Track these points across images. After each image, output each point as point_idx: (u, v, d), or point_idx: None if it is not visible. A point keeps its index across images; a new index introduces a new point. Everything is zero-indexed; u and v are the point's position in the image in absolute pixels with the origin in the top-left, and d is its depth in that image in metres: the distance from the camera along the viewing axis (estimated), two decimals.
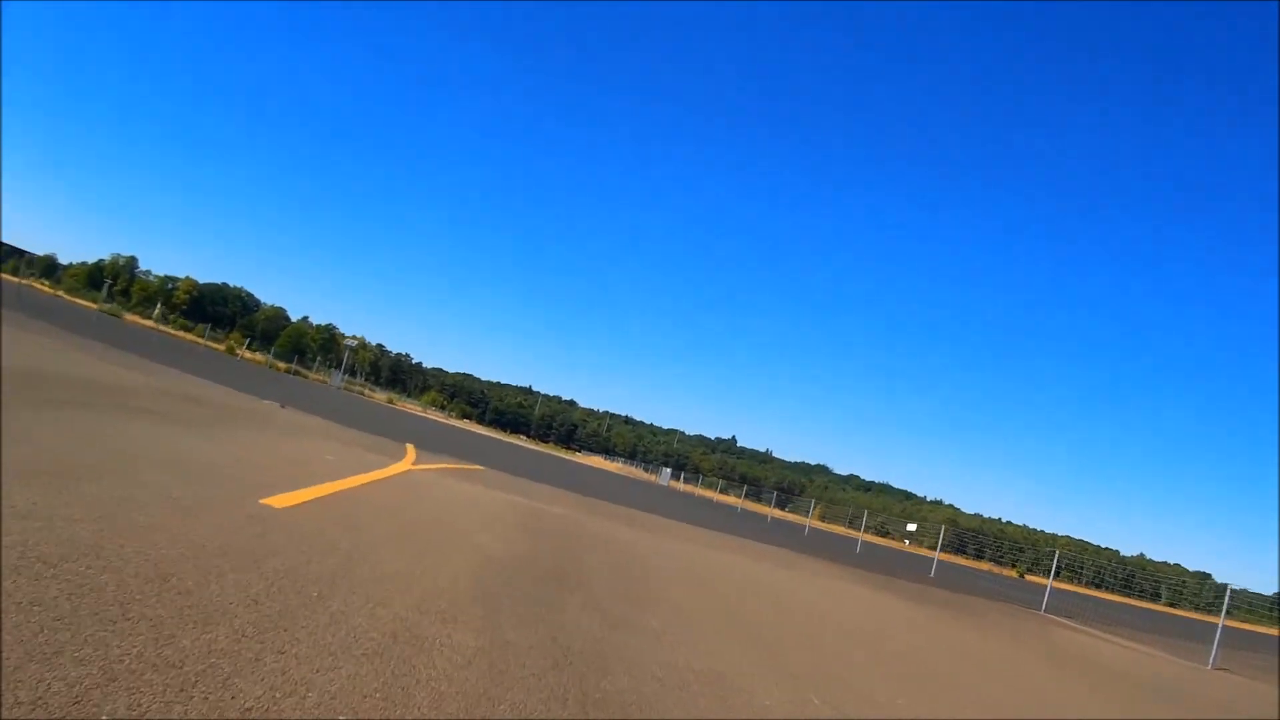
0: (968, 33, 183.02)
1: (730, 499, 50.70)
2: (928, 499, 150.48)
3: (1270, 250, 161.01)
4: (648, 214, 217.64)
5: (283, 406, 13.25)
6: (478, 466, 13.76)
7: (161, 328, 57.19)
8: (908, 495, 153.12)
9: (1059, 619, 13.61)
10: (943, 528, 24.40)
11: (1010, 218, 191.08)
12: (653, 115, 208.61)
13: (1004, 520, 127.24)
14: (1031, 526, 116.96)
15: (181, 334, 61.02)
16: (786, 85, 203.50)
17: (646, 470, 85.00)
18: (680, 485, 57.73)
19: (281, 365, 61.71)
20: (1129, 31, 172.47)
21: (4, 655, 1.87)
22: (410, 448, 13.00)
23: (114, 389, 8.48)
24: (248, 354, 61.91)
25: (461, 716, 2.29)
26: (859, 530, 29.76)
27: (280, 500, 4.76)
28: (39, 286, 59.85)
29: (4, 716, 1.69)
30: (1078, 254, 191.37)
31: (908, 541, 54.07)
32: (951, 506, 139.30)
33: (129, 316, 60.26)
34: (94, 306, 53.47)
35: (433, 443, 18.62)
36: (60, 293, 59.77)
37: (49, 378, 7.72)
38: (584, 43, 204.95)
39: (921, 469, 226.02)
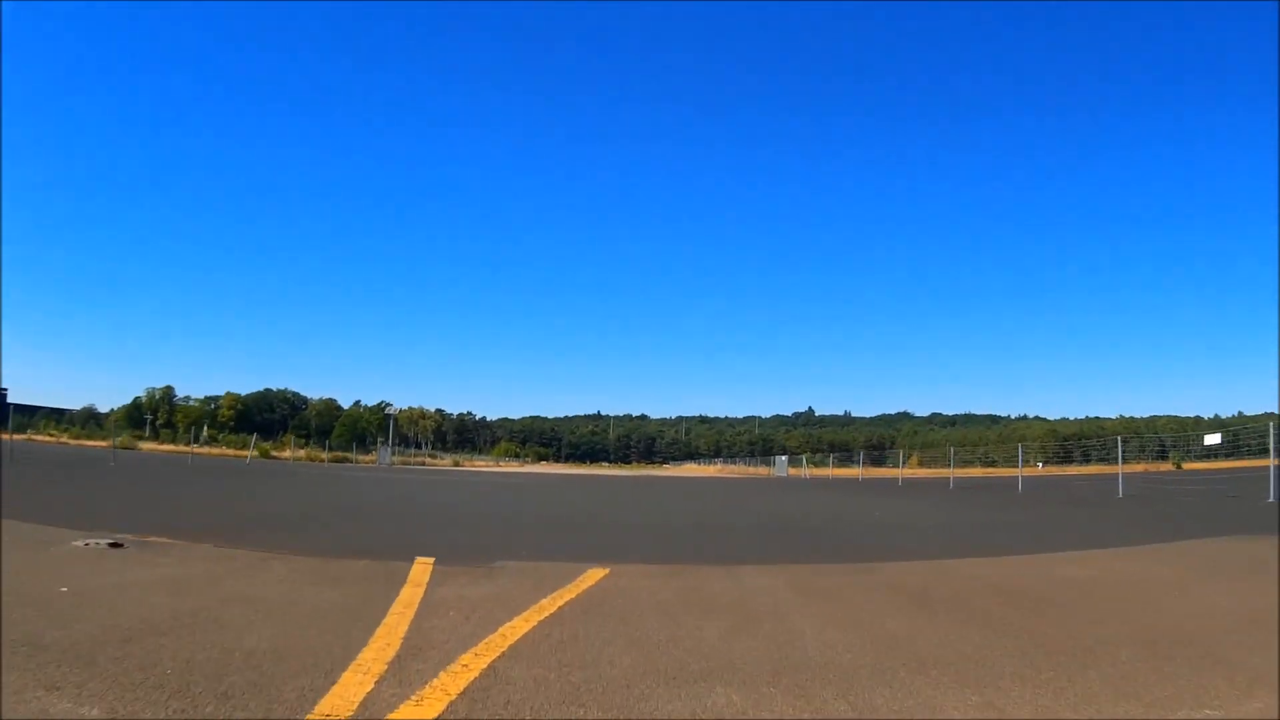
0: None
1: (869, 470, 47.83)
2: (1011, 417, 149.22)
3: None
4: (663, 208, 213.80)
5: (117, 546, 6.07)
6: (594, 571, 5.52)
7: (196, 449, 52.57)
8: (993, 419, 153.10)
9: None
10: (1271, 426, 17.03)
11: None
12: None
13: (1095, 417, 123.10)
14: (1128, 415, 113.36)
15: (203, 450, 56.54)
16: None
17: (749, 465, 76.64)
18: (803, 471, 52.28)
19: (323, 455, 57.79)
20: None
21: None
22: (424, 568, 5.47)
23: None
24: (289, 454, 57.32)
25: None
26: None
27: None
28: (44, 439, 57.37)
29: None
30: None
31: (1040, 465, 55.12)
32: (1040, 418, 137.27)
33: (146, 445, 57.17)
34: (103, 444, 49.61)
35: (490, 520, 10.99)
36: (64, 438, 58.20)
37: None
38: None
39: (993, 390, 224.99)
